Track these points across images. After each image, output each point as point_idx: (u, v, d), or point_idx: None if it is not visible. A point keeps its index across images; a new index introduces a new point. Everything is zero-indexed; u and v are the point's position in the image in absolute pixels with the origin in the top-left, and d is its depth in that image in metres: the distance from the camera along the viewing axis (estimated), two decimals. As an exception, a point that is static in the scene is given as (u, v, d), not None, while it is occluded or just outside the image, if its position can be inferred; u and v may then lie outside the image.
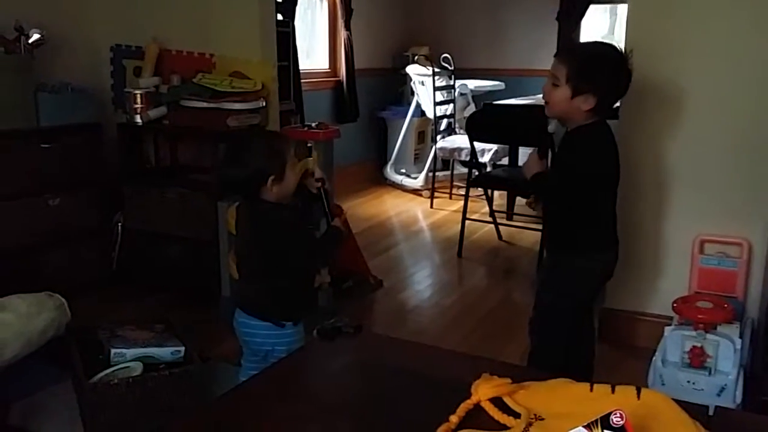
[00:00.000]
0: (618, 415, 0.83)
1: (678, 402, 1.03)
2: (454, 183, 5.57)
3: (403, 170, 5.89)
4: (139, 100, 3.35)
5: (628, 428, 0.83)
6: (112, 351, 2.23)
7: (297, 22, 4.99)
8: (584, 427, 0.84)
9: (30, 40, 3.07)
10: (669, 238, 2.75)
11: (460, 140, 5.26)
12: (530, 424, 1.00)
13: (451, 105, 5.55)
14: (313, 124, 3.42)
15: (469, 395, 1.08)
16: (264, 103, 3.28)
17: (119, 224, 3.48)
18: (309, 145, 3.43)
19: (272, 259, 1.91)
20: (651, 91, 2.65)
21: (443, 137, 5.45)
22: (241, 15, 3.39)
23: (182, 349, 2.32)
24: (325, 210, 2.04)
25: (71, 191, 3.21)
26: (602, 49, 2.04)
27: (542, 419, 1.02)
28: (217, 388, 2.14)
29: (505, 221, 4.60)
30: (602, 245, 2.12)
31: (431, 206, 5.31)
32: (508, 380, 1.09)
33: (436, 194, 5.44)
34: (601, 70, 1.96)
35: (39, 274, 3.03)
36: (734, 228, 2.59)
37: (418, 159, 5.98)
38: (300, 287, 2.00)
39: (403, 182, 5.80)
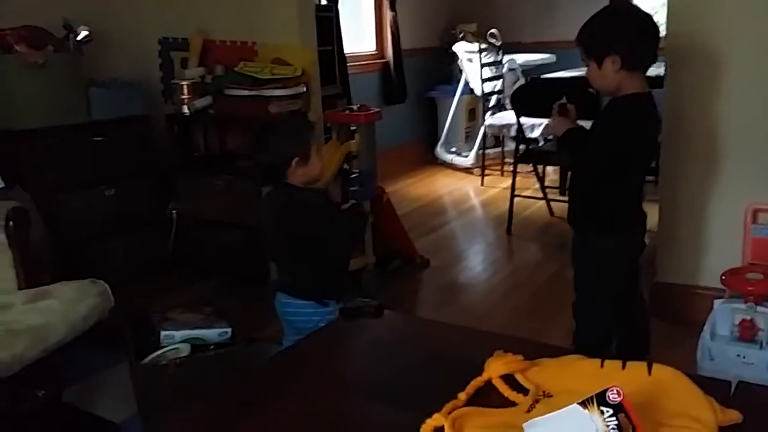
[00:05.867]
0: (615, 391, 0.82)
1: (697, 377, 1.01)
2: (506, 160, 5.51)
3: (454, 149, 5.85)
4: (185, 90, 3.43)
5: (626, 405, 0.81)
6: (162, 333, 2.32)
7: (342, 6, 4.99)
8: (579, 404, 0.82)
9: (78, 38, 3.18)
10: (721, 207, 2.66)
11: (509, 116, 5.17)
12: (537, 401, 1.00)
13: (500, 81, 5.47)
14: (355, 107, 3.43)
15: (482, 372, 1.09)
16: (305, 89, 3.31)
17: (174, 212, 3.59)
18: (352, 128, 3.46)
19: (303, 242, 1.95)
20: (698, 53, 2.56)
21: (493, 114, 5.38)
22: (280, 2, 3.43)
23: (229, 330, 2.39)
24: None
25: (125, 181, 3.32)
26: (605, 10, 2.02)
27: (550, 396, 1.01)
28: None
29: (558, 197, 4.51)
30: (629, 224, 2.07)
31: (482, 184, 5.27)
32: (521, 357, 1.09)
33: (487, 172, 5.39)
34: (607, 27, 1.98)
35: (98, 262, 3.16)
36: (789, 196, 2.49)
37: (470, 137, 5.91)
38: (336, 266, 2.03)
39: (454, 161, 5.77)
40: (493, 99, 5.43)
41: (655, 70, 2.54)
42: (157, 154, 3.50)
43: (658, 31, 1.99)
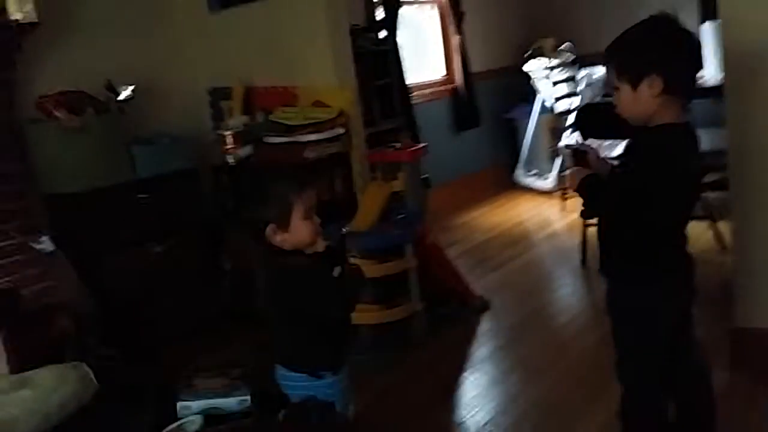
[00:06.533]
0: None
1: None
2: (590, 181, 5.12)
3: (534, 172, 5.53)
4: (229, 140, 3.40)
5: None
6: (179, 404, 2.23)
7: (407, 37, 4.85)
8: None
9: (120, 98, 3.22)
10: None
11: (588, 135, 4.82)
12: None
13: (577, 98, 5.12)
14: (397, 145, 3.27)
15: None
16: (343, 130, 3.19)
17: (226, 265, 3.55)
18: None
19: (291, 311, 1.79)
20: (761, 57, 2.21)
21: (572, 133, 5.04)
22: (315, 44, 3.34)
23: (248, 398, 2.27)
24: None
25: (173, 237, 3.31)
26: (641, 25, 1.70)
27: None
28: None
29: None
30: (669, 271, 1.76)
31: (563, 209, 4.92)
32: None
33: (570, 195, 5.03)
34: (647, 44, 1.66)
35: (150, 321, 3.15)
36: None
37: (553, 159, 5.57)
38: (330, 336, 1.85)
39: (534, 185, 5.45)
40: (571, 117, 5.08)
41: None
42: (207, 206, 3.49)
43: (702, 56, 1.69)
